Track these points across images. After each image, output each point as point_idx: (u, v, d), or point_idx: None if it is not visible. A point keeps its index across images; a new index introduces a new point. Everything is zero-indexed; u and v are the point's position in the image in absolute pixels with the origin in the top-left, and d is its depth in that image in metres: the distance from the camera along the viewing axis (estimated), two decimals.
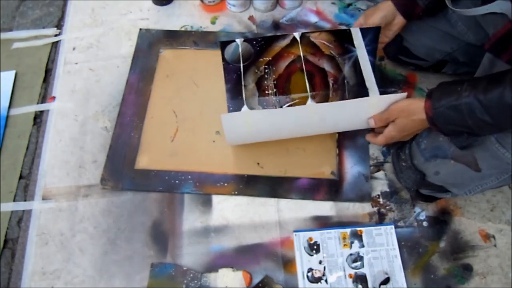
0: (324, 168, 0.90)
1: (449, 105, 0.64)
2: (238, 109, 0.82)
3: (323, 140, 0.93)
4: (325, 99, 0.86)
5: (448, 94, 0.64)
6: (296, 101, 0.86)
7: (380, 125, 0.79)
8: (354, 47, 0.86)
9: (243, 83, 0.84)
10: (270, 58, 0.86)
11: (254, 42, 0.85)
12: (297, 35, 0.86)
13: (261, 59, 0.86)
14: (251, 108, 0.83)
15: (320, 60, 0.87)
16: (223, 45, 0.84)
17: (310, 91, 0.84)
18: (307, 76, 0.85)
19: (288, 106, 0.85)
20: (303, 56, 0.86)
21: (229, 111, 0.82)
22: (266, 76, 0.87)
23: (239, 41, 0.84)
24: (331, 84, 0.86)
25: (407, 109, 0.72)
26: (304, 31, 1.08)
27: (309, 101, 0.82)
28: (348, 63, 0.87)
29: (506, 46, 0.65)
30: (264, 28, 1.11)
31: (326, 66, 0.87)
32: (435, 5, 0.81)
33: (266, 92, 0.86)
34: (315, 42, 0.87)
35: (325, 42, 0.88)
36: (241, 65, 0.84)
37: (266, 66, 0.87)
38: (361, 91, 0.84)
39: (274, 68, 0.87)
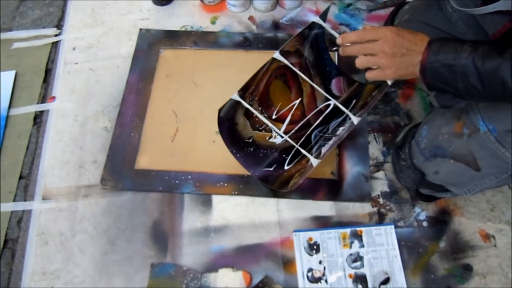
0: (324, 168, 0.90)
1: (445, 63, 0.62)
2: (240, 151, 0.84)
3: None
4: (298, 93, 0.90)
5: (447, 50, 0.62)
6: (280, 106, 0.88)
7: (352, 38, 0.70)
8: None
9: (236, 122, 0.85)
10: (253, 88, 0.86)
11: (244, 86, 0.83)
12: (276, 55, 0.84)
13: (246, 94, 0.86)
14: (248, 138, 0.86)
15: (288, 59, 0.88)
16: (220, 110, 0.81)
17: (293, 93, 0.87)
18: (281, 79, 0.89)
19: (276, 115, 0.87)
20: (279, 66, 0.87)
21: (236, 157, 0.83)
22: (251, 103, 0.87)
23: (235, 98, 0.81)
24: (298, 72, 0.87)
25: (408, 39, 0.66)
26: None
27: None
28: (306, 45, 0.89)
29: (506, 46, 0.65)
30: (264, 28, 1.11)
31: (292, 59, 0.88)
32: None
33: (254, 115, 0.86)
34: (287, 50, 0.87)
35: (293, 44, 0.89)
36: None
37: (250, 92, 0.87)
38: (322, 64, 0.89)
39: (256, 92, 0.87)
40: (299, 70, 0.89)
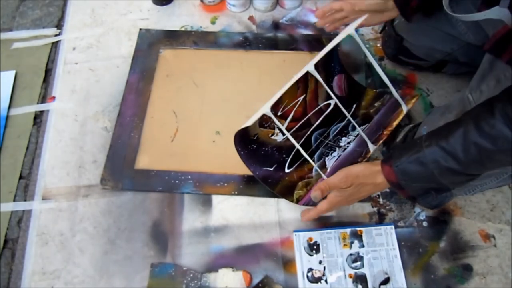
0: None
1: (411, 159, 0.60)
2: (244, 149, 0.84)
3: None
4: (303, 89, 0.87)
5: (408, 149, 0.62)
6: (287, 103, 0.85)
7: (325, 193, 0.74)
8: None
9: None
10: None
11: (280, 105, 0.82)
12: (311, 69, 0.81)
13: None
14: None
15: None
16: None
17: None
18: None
19: (281, 111, 0.85)
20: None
21: (240, 154, 0.83)
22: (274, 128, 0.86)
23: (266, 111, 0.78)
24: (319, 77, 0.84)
25: (362, 174, 0.69)
26: (304, 31, 1.08)
27: None
28: None
29: (505, 46, 0.65)
30: (264, 28, 1.11)
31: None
32: (430, 3, 0.79)
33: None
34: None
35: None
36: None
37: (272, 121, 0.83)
38: (329, 59, 0.89)
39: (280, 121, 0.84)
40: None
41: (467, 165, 0.58)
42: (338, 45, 0.87)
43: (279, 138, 0.87)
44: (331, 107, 0.87)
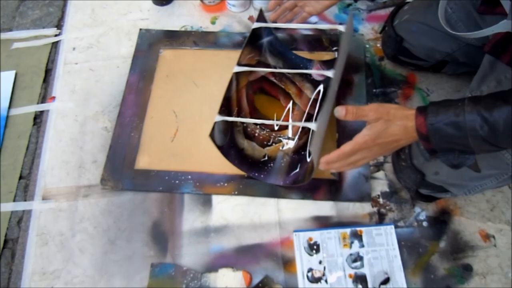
0: None
1: (448, 121, 0.58)
2: (261, 172, 0.87)
3: (323, 140, 0.93)
4: (286, 97, 0.94)
5: (446, 108, 0.59)
6: (277, 116, 0.92)
7: (350, 117, 0.65)
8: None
9: (241, 147, 0.88)
10: (236, 109, 0.88)
11: (223, 108, 0.83)
12: (236, 69, 0.86)
13: (233, 116, 0.88)
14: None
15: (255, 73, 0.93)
16: (213, 137, 0.81)
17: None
18: (262, 92, 0.94)
19: (276, 125, 0.91)
20: (250, 81, 0.92)
21: (260, 179, 0.86)
22: (244, 124, 0.90)
23: (218, 120, 0.81)
24: (274, 79, 0.93)
25: (394, 111, 0.63)
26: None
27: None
28: (267, 55, 0.94)
29: (506, 47, 0.65)
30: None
31: (261, 72, 0.93)
32: None
33: (258, 135, 0.90)
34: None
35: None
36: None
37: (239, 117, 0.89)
38: (293, 64, 0.95)
39: (243, 113, 0.90)
40: (275, 79, 0.94)
41: (503, 139, 0.56)
42: (288, 48, 0.99)
43: (291, 144, 0.89)
44: (321, 91, 0.90)
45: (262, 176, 0.86)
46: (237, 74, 0.87)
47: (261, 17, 0.93)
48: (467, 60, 0.90)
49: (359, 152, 0.65)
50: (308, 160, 0.84)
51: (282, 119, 0.93)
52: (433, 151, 0.62)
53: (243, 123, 0.90)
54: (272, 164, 0.87)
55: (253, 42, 0.93)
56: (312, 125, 0.72)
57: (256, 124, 0.90)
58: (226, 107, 0.85)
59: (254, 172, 0.86)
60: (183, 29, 1.11)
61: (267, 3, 1.11)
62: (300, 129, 0.89)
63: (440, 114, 0.59)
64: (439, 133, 0.59)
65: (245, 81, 0.92)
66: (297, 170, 0.85)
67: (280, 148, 0.89)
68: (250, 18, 1.13)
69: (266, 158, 0.88)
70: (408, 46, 0.93)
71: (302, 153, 0.87)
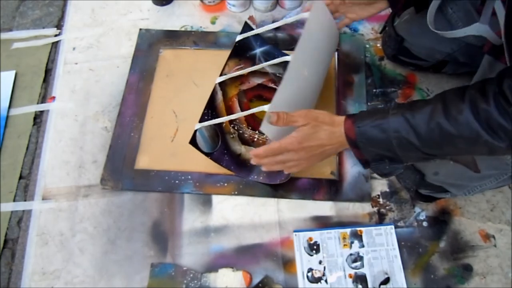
0: (324, 168, 0.90)
1: (374, 124, 0.59)
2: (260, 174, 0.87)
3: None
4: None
5: (373, 113, 0.61)
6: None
7: (281, 123, 0.65)
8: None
9: (238, 153, 0.89)
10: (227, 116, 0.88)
11: (206, 117, 0.84)
12: (218, 79, 0.88)
13: (224, 125, 0.89)
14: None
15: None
16: (194, 143, 0.82)
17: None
18: (261, 99, 0.95)
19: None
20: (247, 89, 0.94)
21: (259, 180, 0.87)
22: (240, 130, 0.91)
23: (198, 127, 0.82)
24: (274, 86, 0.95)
25: (322, 117, 0.65)
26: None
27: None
28: (263, 64, 0.91)
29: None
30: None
31: (258, 80, 0.95)
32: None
33: (256, 139, 0.91)
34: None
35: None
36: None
37: (232, 125, 0.91)
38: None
39: (238, 120, 0.91)
40: (274, 84, 0.95)
41: (426, 142, 0.57)
42: (284, 53, 0.98)
43: None
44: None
45: (261, 178, 0.87)
46: (222, 85, 0.88)
47: (246, 28, 0.93)
48: (467, 60, 0.90)
49: (286, 153, 0.67)
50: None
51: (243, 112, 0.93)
52: (365, 162, 0.64)
53: (238, 130, 0.91)
54: None
55: (241, 53, 0.94)
56: (265, 107, 0.70)
57: (253, 129, 0.92)
58: (211, 116, 0.86)
59: (253, 175, 0.87)
60: (183, 29, 1.11)
61: (267, 3, 1.12)
62: None
63: (367, 118, 0.61)
64: (366, 136, 0.61)
65: (236, 91, 0.93)
66: None
67: None
68: (250, 18, 1.13)
69: None
70: (409, 46, 0.93)
71: None
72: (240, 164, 0.87)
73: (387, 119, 0.59)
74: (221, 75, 0.89)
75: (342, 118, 0.64)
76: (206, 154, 0.84)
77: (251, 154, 0.70)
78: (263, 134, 0.90)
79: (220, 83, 0.89)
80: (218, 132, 0.87)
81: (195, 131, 0.82)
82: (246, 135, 0.91)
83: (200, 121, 0.83)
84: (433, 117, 0.56)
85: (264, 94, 0.97)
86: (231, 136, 0.90)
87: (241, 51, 0.94)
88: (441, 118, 0.55)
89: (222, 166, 0.85)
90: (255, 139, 0.91)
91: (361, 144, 0.62)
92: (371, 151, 0.62)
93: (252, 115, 0.93)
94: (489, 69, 0.69)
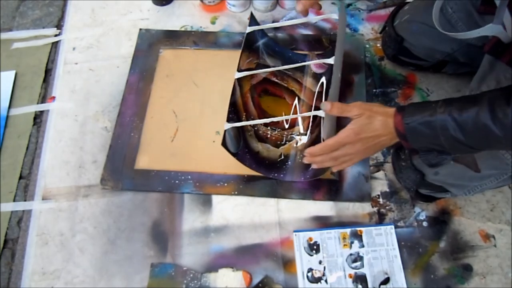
0: None
1: (422, 121, 0.61)
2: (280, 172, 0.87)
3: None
4: (291, 95, 0.95)
5: (422, 109, 0.62)
6: (285, 115, 0.92)
7: (335, 111, 0.67)
8: None
9: (256, 150, 0.89)
10: (244, 114, 0.90)
11: (230, 115, 0.84)
12: (237, 75, 0.87)
13: (243, 121, 0.88)
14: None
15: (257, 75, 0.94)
16: (225, 145, 0.81)
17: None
18: (267, 94, 0.95)
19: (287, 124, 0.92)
20: (253, 85, 0.93)
21: (280, 178, 0.87)
22: (255, 127, 0.91)
23: (228, 127, 0.82)
24: (276, 79, 0.95)
25: (376, 108, 0.66)
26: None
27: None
28: (265, 57, 0.94)
29: (505, 47, 0.65)
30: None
31: (262, 74, 0.94)
32: None
33: (270, 136, 0.91)
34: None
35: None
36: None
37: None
38: (292, 61, 0.94)
39: (252, 116, 0.91)
40: (277, 79, 0.95)
41: (473, 140, 0.59)
42: (284, 47, 1.00)
43: (304, 140, 0.90)
44: (325, 82, 0.91)
45: (281, 175, 0.86)
46: (239, 80, 0.87)
47: (253, 21, 0.93)
48: (468, 60, 0.90)
49: (342, 148, 0.67)
50: None
51: (291, 115, 0.94)
52: (413, 150, 0.65)
53: (253, 126, 0.90)
54: (289, 163, 0.88)
55: (249, 46, 0.94)
56: (320, 113, 0.72)
57: (266, 125, 0.91)
58: (233, 113, 0.85)
59: (273, 173, 0.86)
60: (183, 29, 1.11)
61: (267, 3, 1.12)
62: (310, 123, 0.90)
63: (416, 114, 0.62)
64: (414, 131, 0.62)
65: (248, 85, 0.93)
66: None
67: (294, 146, 0.89)
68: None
69: (283, 157, 0.89)
70: (409, 46, 0.93)
71: None
72: (259, 162, 0.87)
73: (435, 117, 0.60)
74: (238, 70, 0.87)
75: (393, 110, 0.64)
76: (233, 155, 0.83)
77: (306, 152, 0.70)
78: (275, 130, 0.91)
79: (237, 79, 0.88)
80: (240, 130, 0.87)
81: (225, 131, 0.80)
82: (260, 132, 0.91)
83: (228, 121, 0.82)
84: (480, 119, 0.57)
85: (270, 88, 0.96)
86: (249, 133, 0.90)
87: (249, 44, 0.93)
88: (488, 120, 0.56)
89: (246, 165, 0.84)
90: (268, 136, 0.91)
91: (410, 137, 0.63)
92: (420, 144, 0.63)
93: (264, 111, 0.93)
94: (490, 69, 0.69)
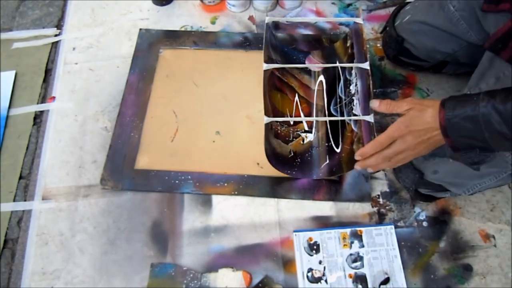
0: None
1: (465, 116, 0.58)
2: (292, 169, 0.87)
3: None
4: (292, 91, 0.96)
5: (463, 104, 0.59)
6: (289, 112, 0.92)
7: (384, 108, 0.67)
8: None
9: (273, 146, 0.87)
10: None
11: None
12: (265, 66, 0.85)
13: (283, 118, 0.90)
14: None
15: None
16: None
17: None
18: (276, 89, 0.93)
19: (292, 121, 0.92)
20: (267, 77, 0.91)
21: (292, 175, 0.86)
22: (270, 123, 0.88)
23: (267, 121, 0.81)
24: (278, 74, 0.95)
25: (427, 102, 0.64)
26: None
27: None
28: (270, 49, 0.91)
29: (506, 44, 0.65)
30: (264, 29, 1.11)
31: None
32: None
33: (280, 132, 0.91)
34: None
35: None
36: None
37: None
38: (289, 57, 0.97)
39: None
40: (278, 73, 0.95)
41: None
42: (281, 42, 1.00)
43: (311, 137, 0.90)
44: (324, 81, 0.92)
45: (294, 173, 0.86)
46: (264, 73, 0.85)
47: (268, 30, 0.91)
48: (468, 60, 0.90)
49: (393, 144, 0.65)
50: (339, 150, 0.85)
51: (294, 113, 0.94)
52: (455, 148, 0.62)
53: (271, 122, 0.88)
54: (299, 160, 0.88)
55: (268, 39, 0.91)
56: (369, 118, 0.72)
57: (277, 121, 0.90)
58: (267, 106, 0.83)
59: (287, 170, 0.85)
60: (183, 29, 1.11)
61: (267, 3, 1.12)
62: (314, 121, 0.92)
63: (457, 108, 0.59)
64: (456, 127, 0.59)
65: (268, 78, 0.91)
66: (327, 161, 0.86)
67: (301, 143, 0.90)
68: (250, 18, 1.13)
69: (292, 154, 0.89)
70: (409, 46, 0.93)
71: (327, 144, 0.88)
72: (277, 159, 0.85)
73: (477, 111, 0.57)
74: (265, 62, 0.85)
75: (438, 102, 0.62)
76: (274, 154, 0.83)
77: (357, 155, 0.68)
78: (283, 126, 0.91)
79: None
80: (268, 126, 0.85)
81: (266, 125, 0.79)
82: (273, 127, 0.90)
83: (267, 113, 0.80)
84: None
85: (276, 83, 0.96)
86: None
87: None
88: None
89: (270, 163, 0.82)
90: (279, 131, 0.90)
91: (451, 133, 0.60)
92: (462, 141, 0.61)
93: (274, 106, 0.91)
94: (489, 66, 0.69)
